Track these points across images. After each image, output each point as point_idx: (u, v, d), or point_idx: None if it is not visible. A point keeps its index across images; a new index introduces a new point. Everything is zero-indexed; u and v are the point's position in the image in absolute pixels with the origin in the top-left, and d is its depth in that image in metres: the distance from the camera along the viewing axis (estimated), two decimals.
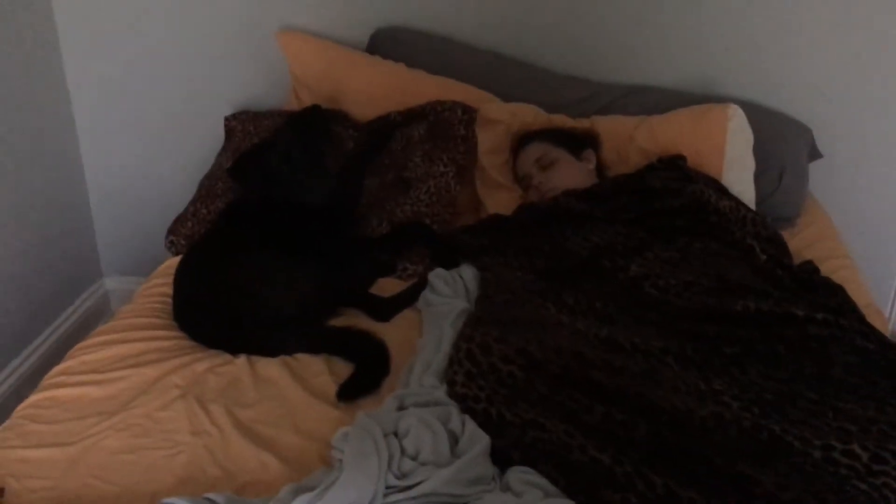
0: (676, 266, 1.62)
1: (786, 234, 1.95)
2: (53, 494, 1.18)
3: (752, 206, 1.99)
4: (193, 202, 2.03)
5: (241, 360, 1.50)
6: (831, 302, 1.56)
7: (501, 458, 1.21)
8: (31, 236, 2.37)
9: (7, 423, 1.34)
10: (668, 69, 2.30)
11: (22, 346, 2.36)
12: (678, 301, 1.52)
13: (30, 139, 2.34)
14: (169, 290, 1.70)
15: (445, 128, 2.05)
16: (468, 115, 2.07)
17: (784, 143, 2.16)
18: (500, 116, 2.11)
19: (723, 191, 1.90)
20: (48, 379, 1.45)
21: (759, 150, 2.06)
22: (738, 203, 1.85)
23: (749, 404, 1.24)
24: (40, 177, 2.41)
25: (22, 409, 1.37)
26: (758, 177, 2.06)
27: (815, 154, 2.23)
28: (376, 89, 2.19)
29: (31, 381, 1.46)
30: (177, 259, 1.77)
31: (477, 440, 1.20)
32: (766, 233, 1.79)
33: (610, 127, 2.15)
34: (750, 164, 2.04)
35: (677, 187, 1.82)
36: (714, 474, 1.13)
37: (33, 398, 1.39)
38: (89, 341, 1.55)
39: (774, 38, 2.23)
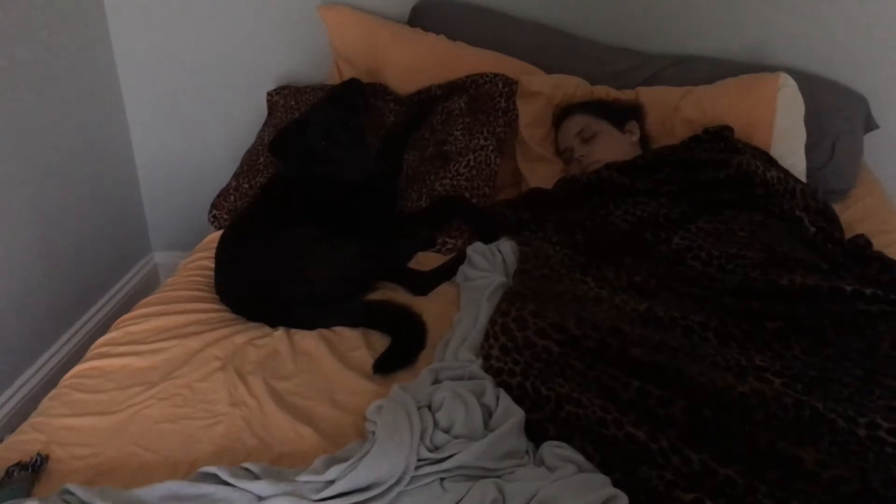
0: (720, 238, 1.58)
1: (838, 207, 1.89)
2: (97, 461, 1.21)
3: (803, 178, 1.93)
4: (236, 177, 2.05)
5: (280, 332, 1.52)
6: (883, 277, 1.51)
7: (537, 433, 1.21)
8: (84, 212, 2.43)
9: (53, 392, 1.38)
10: (717, 38, 2.24)
11: (76, 318, 2.44)
12: (721, 274, 1.48)
13: (81, 120, 2.39)
14: (211, 263, 1.72)
15: (486, 100, 2.03)
16: (509, 87, 2.05)
17: (838, 114, 2.08)
18: (541, 88, 2.07)
19: (771, 162, 1.84)
20: (93, 349, 1.49)
21: (812, 121, 1.99)
22: (787, 174, 1.79)
23: (792, 381, 1.21)
24: (91, 155, 2.46)
25: (67, 378, 1.41)
26: (810, 148, 1.99)
27: (870, 125, 2.15)
28: (417, 62, 2.17)
29: (84, 351, 1.50)
30: (219, 233, 1.80)
31: (511, 414, 1.20)
32: (817, 205, 1.73)
33: (655, 98, 2.10)
34: (801, 135, 1.98)
35: (723, 158, 1.76)
36: (753, 452, 1.11)
37: (78, 368, 1.43)
38: (133, 313, 1.59)
39: (827, 4, 2.14)
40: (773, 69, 2.05)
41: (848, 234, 1.73)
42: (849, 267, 1.56)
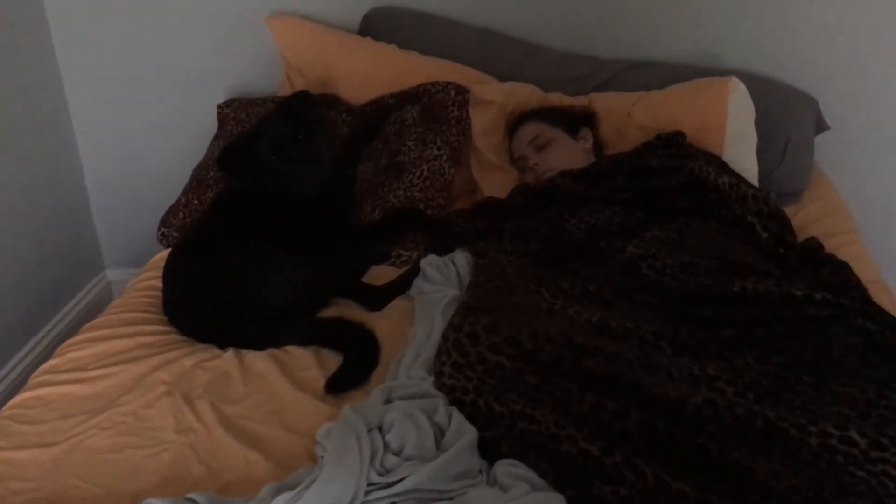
0: (674, 246, 1.58)
1: (791, 210, 1.90)
2: (37, 496, 1.16)
3: (756, 181, 1.94)
4: (185, 193, 2.01)
5: (230, 354, 1.48)
6: (834, 280, 1.52)
7: (490, 451, 1.19)
8: (32, 230, 2.37)
9: None
10: (670, 42, 2.25)
11: (26, 339, 2.38)
12: (674, 283, 1.48)
13: (26, 134, 2.33)
14: (159, 283, 1.68)
15: (439, 110, 2.01)
16: (461, 96, 2.03)
17: (789, 116, 2.10)
18: (494, 97, 2.06)
19: (723, 167, 1.85)
20: (35, 377, 1.44)
21: (763, 124, 2.01)
22: (740, 179, 1.80)
23: (744, 390, 1.21)
24: (38, 170, 2.40)
25: (7, 409, 1.36)
26: (762, 151, 2.00)
27: (821, 126, 2.17)
28: (369, 72, 2.15)
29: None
30: (168, 252, 1.75)
31: (463, 433, 1.17)
32: (768, 209, 1.74)
33: (608, 104, 2.10)
34: (752, 139, 1.99)
35: (676, 165, 1.77)
36: (707, 464, 1.10)
37: (19, 398, 1.38)
38: (77, 338, 1.55)
39: (778, 8, 2.16)
40: (724, 73, 2.06)
41: (802, 236, 1.75)
42: (801, 271, 1.57)
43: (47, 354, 1.66)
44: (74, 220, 2.62)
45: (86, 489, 1.18)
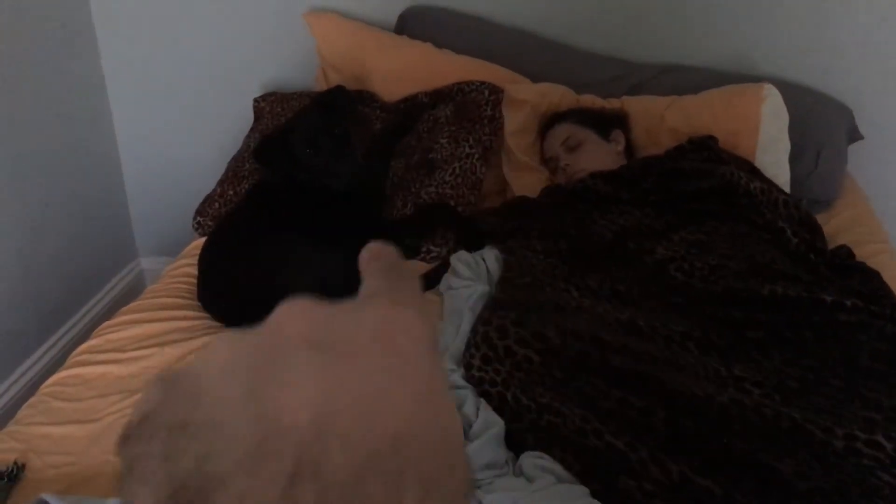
0: (703, 249, 1.58)
1: (822, 218, 1.89)
2: (73, 470, 1.20)
3: (787, 188, 1.93)
4: (220, 183, 2.05)
5: None
6: (865, 288, 1.51)
7: (516, 443, 1.21)
8: (69, 218, 2.42)
9: (32, 399, 1.37)
10: (704, 48, 2.25)
11: (59, 324, 2.42)
12: (703, 284, 1.49)
13: (66, 124, 2.38)
14: (194, 270, 1.72)
15: (472, 109, 2.03)
16: (495, 95, 2.05)
17: (822, 124, 2.09)
18: (527, 97, 2.08)
19: (755, 172, 1.85)
20: (74, 357, 1.48)
21: (796, 131, 2.00)
22: (771, 185, 1.80)
23: (771, 391, 1.21)
24: (77, 160, 2.45)
25: (47, 386, 1.40)
26: (794, 158, 2.00)
27: (855, 136, 2.16)
28: (403, 70, 2.17)
29: (67, 358, 1.50)
30: (203, 240, 1.79)
31: (490, 425, 1.20)
32: (799, 215, 1.74)
33: (641, 107, 2.10)
34: (785, 146, 1.98)
35: (707, 169, 1.77)
36: (732, 462, 1.11)
37: (58, 375, 1.42)
38: (115, 320, 1.58)
39: (815, 16, 2.15)
40: (758, 79, 2.06)
41: (831, 245, 1.74)
42: (831, 277, 1.56)
43: (83, 337, 1.70)
44: (111, 209, 2.68)
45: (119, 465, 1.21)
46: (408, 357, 0.28)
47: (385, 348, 0.28)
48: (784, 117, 1.98)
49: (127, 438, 0.26)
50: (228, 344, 0.28)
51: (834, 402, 1.20)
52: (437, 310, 1.60)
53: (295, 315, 0.29)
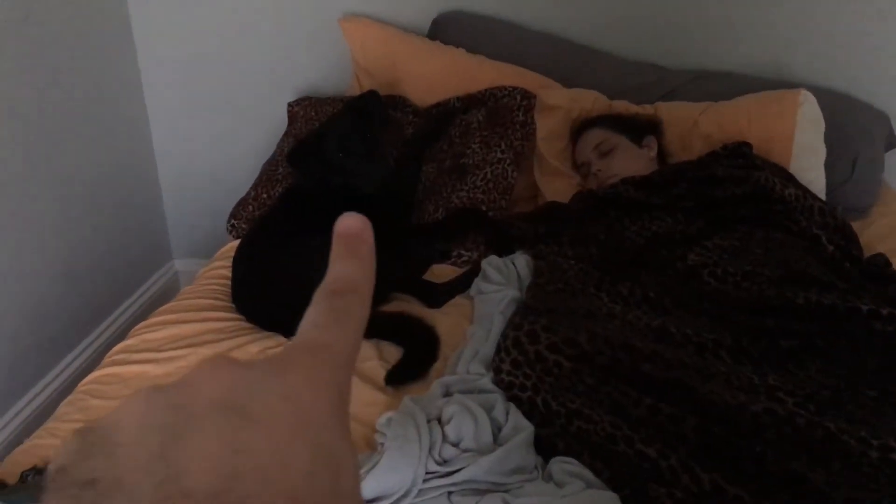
0: (736, 255, 1.57)
1: (858, 225, 1.87)
2: None
3: (823, 195, 1.91)
4: (255, 187, 2.07)
5: None
6: None
7: (546, 448, 1.21)
8: (105, 220, 2.46)
9: (70, 397, 1.40)
10: (738, 53, 2.23)
11: (96, 324, 2.47)
12: (736, 291, 1.48)
13: (104, 128, 2.43)
14: (228, 272, 1.74)
15: (504, 114, 2.04)
16: (527, 100, 2.05)
17: (859, 131, 2.07)
18: (559, 102, 2.08)
19: (790, 179, 1.83)
20: (110, 356, 1.51)
21: (832, 138, 1.98)
22: (806, 192, 1.78)
23: (805, 401, 1.20)
24: (114, 164, 2.50)
25: (84, 384, 1.43)
26: (830, 165, 1.98)
27: (892, 142, 2.13)
28: (436, 75, 2.19)
29: (103, 358, 1.53)
30: (237, 242, 1.81)
31: (520, 429, 1.20)
32: (835, 223, 1.72)
33: (674, 113, 2.09)
34: (821, 152, 1.96)
35: (741, 175, 1.76)
36: (764, 472, 1.10)
37: (95, 374, 1.45)
38: (151, 321, 1.61)
39: (849, 22, 2.13)
40: (793, 85, 2.04)
41: (868, 253, 1.72)
42: (866, 286, 1.54)
43: (119, 337, 1.73)
44: (147, 212, 2.73)
45: None
46: (314, 418, 0.29)
47: (293, 410, 0.28)
48: (820, 124, 1.96)
49: (45, 490, 0.27)
50: (146, 399, 0.29)
51: (869, 412, 1.18)
52: (467, 314, 1.61)
53: (212, 375, 0.29)
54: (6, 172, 2.01)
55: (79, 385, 1.43)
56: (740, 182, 1.74)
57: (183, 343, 1.51)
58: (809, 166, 1.94)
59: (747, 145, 1.89)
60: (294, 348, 0.32)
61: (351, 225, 0.37)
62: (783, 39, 2.19)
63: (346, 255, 0.36)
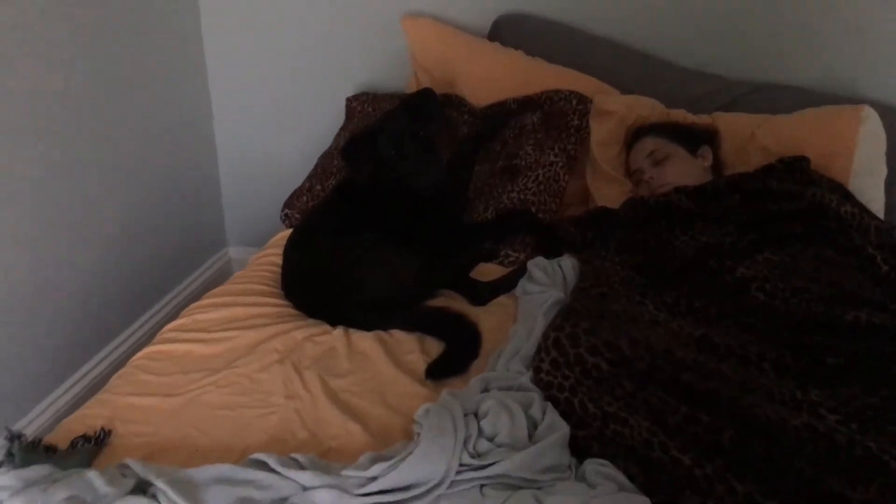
0: (787, 271, 1.55)
1: None
2: (154, 440, 1.27)
3: (881, 214, 1.87)
4: (309, 178, 2.12)
5: (339, 331, 1.56)
6: None
7: (581, 449, 1.21)
8: (166, 206, 2.55)
9: (122, 371, 1.45)
10: (801, 67, 2.19)
11: (152, 303, 2.56)
12: (784, 307, 1.45)
13: (170, 119, 2.52)
14: (279, 259, 1.78)
15: (559, 117, 2.04)
16: (583, 105, 2.05)
17: None
18: (615, 108, 2.07)
19: (847, 196, 1.79)
20: (162, 334, 1.56)
21: (894, 156, 1.93)
22: (863, 210, 1.74)
23: (847, 419, 1.18)
24: (176, 153, 2.59)
25: (136, 359, 1.48)
26: (890, 184, 1.93)
27: None
28: (494, 76, 2.20)
29: (156, 335, 1.59)
30: (289, 231, 1.85)
31: (556, 428, 1.20)
32: (892, 242, 1.67)
33: (731, 124, 2.07)
34: (882, 170, 1.92)
35: (797, 190, 1.73)
36: (801, 487, 1.09)
37: (147, 350, 1.50)
38: (203, 302, 1.66)
39: None
40: (855, 101, 2.00)
41: None
42: None
43: (172, 316, 1.79)
44: (205, 199, 2.81)
45: (198, 439, 1.27)
46: None
47: None
48: (882, 141, 1.92)
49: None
50: None
51: None
52: (511, 313, 1.62)
53: None
54: (80, 166, 2.10)
55: (131, 360, 1.49)
56: (795, 197, 1.71)
57: (232, 325, 1.56)
58: (869, 184, 1.90)
59: (805, 160, 1.86)
60: None
61: None
62: (846, 54, 2.14)
63: None
